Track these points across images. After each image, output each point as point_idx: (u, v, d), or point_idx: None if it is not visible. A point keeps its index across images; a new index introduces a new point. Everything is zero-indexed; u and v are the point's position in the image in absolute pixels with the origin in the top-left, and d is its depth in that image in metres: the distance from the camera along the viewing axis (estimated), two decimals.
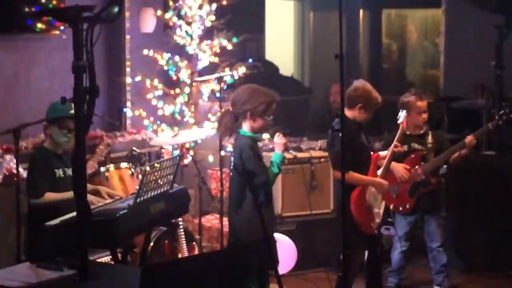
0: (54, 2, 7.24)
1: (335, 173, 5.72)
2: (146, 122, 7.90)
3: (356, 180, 5.63)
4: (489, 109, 7.63)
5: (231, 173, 5.38)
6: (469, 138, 6.40)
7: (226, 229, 6.56)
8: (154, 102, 7.90)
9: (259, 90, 5.31)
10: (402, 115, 6.03)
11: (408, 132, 6.42)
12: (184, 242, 6.20)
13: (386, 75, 10.94)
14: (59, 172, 5.48)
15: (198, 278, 3.45)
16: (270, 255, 5.27)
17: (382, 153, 5.99)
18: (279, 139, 5.35)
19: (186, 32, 7.89)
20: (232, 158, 5.34)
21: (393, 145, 5.90)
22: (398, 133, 5.97)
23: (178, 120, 7.94)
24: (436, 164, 6.52)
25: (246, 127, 5.28)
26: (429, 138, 6.57)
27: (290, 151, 5.52)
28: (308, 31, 11.40)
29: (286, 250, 6.81)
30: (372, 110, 5.79)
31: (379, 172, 5.88)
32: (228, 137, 5.61)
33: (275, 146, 5.40)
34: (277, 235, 5.92)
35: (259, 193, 5.22)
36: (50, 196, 5.38)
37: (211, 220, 7.66)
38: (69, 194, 5.22)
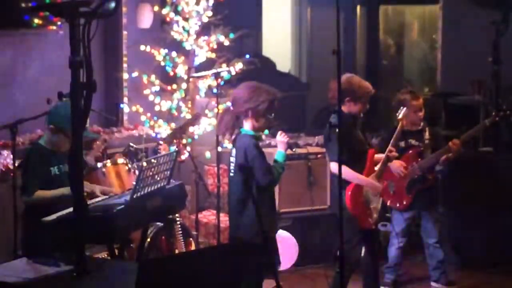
0: None
1: (332, 168, 5.70)
2: (143, 117, 7.89)
3: (351, 177, 5.62)
4: (486, 105, 7.63)
5: (231, 174, 5.31)
6: (454, 142, 6.36)
7: (223, 224, 6.58)
8: (151, 98, 7.89)
9: (261, 88, 5.23)
10: (402, 111, 5.99)
11: (405, 128, 6.41)
12: (181, 238, 6.21)
13: (383, 71, 10.95)
14: (54, 170, 5.44)
15: (195, 274, 3.45)
16: (273, 255, 5.24)
17: (378, 156, 5.95)
18: (281, 137, 5.30)
19: (183, 27, 7.88)
20: (232, 158, 5.28)
21: (388, 149, 5.87)
22: (398, 129, 5.93)
23: (175, 116, 7.94)
24: (433, 161, 6.52)
25: (248, 126, 5.22)
26: (426, 134, 6.57)
27: (294, 149, 5.43)
28: (305, 27, 11.39)
29: (288, 246, 6.83)
30: (363, 101, 5.74)
31: (376, 167, 5.87)
32: (229, 137, 5.52)
33: (278, 145, 5.33)
34: (279, 232, 5.91)
35: (264, 193, 5.18)
36: (40, 194, 5.33)
37: (208, 216, 7.67)
38: (60, 191, 5.20)
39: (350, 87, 5.69)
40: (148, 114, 7.89)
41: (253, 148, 5.12)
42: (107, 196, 5.28)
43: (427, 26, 10.61)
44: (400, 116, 5.98)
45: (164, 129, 7.76)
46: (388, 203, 6.55)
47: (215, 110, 7.01)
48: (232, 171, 5.28)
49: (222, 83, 7.19)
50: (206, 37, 7.93)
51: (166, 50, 7.88)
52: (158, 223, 6.03)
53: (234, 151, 5.28)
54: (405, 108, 6.04)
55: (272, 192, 5.34)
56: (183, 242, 6.22)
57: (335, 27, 4.43)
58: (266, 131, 6.42)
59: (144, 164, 4.67)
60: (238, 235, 5.26)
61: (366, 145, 5.90)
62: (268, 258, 5.13)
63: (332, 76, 4.91)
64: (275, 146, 5.53)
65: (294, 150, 5.46)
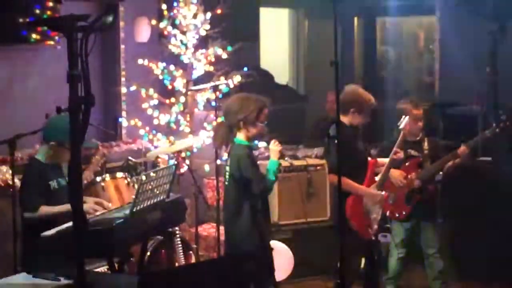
0: (49, 12, 7.25)
1: (331, 179, 5.72)
2: (141, 131, 7.89)
3: (350, 188, 5.63)
4: (484, 115, 7.63)
5: (226, 183, 5.37)
6: (462, 148, 6.39)
7: (223, 237, 6.57)
8: (149, 111, 7.89)
9: (249, 98, 5.35)
10: (404, 120, 6.00)
11: (405, 139, 6.41)
12: (181, 251, 6.20)
13: (381, 82, 10.95)
14: (54, 184, 5.43)
15: (195, 287, 3.45)
16: (268, 264, 5.28)
17: (381, 160, 5.97)
18: (274, 146, 5.36)
19: (181, 41, 7.90)
20: (227, 167, 5.34)
21: (393, 151, 5.89)
22: (399, 138, 5.94)
23: (173, 129, 7.94)
24: (432, 171, 6.52)
25: (241, 136, 5.30)
26: (426, 145, 6.57)
27: (286, 159, 5.56)
28: (302, 39, 11.40)
29: (283, 257, 6.81)
30: (366, 112, 5.79)
31: (377, 178, 5.87)
32: (225, 148, 5.62)
33: (270, 153, 5.39)
34: (273, 243, 5.92)
35: (257, 202, 5.22)
36: (45, 209, 5.32)
37: (207, 229, 7.66)
38: (65, 207, 5.17)
39: (357, 99, 5.74)
40: (147, 128, 7.89)
41: (246, 158, 5.21)
42: (106, 210, 5.28)
43: (425, 37, 10.62)
44: (401, 126, 5.99)
45: (163, 143, 7.75)
46: (388, 214, 6.54)
47: (214, 123, 7.02)
48: (227, 180, 5.33)
49: (220, 96, 7.21)
50: (204, 50, 7.94)
51: (164, 64, 7.89)
52: (158, 237, 6.03)
53: (229, 160, 5.35)
54: (407, 117, 6.05)
55: (266, 201, 5.37)
56: (183, 256, 6.21)
57: (332, 39, 4.45)
58: (265, 143, 6.44)
59: (143, 177, 4.67)
60: (233, 243, 5.31)
61: (367, 155, 5.91)
62: (266, 266, 5.17)
63: (330, 88, 4.93)
64: None
65: (286, 159, 5.57)
